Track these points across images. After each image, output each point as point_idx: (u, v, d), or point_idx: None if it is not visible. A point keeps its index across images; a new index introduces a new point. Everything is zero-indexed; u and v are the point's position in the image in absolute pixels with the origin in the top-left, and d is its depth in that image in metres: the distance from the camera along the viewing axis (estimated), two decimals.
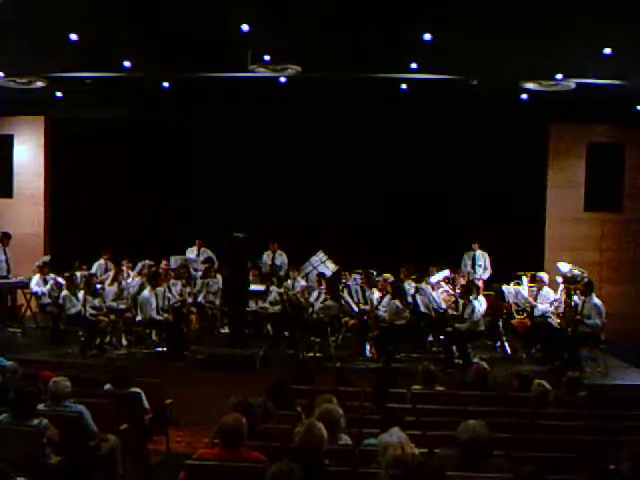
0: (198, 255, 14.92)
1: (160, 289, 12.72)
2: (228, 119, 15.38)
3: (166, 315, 12.56)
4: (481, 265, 14.66)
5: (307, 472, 4.42)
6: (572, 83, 12.31)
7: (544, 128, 15.49)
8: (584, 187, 15.42)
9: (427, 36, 10.43)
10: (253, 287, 13.35)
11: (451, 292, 13.26)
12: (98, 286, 13.23)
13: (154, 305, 12.45)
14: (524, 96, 13.42)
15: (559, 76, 12.10)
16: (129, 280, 13.74)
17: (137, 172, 16.13)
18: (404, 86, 13.24)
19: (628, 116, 14.31)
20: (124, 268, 14.03)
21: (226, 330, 13.11)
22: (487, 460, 5.11)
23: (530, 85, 12.60)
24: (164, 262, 14.25)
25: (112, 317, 12.77)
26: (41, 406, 6.73)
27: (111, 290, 13.29)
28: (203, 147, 16.02)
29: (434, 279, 13.38)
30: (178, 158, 16.07)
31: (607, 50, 10.58)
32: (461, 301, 12.51)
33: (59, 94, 14.15)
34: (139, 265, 14.10)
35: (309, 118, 15.21)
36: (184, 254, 14.82)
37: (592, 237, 15.30)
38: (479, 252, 14.70)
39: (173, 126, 15.74)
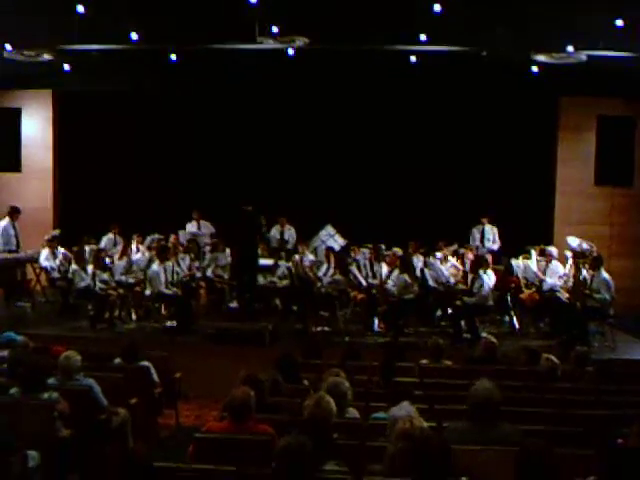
0: (198, 228, 14.94)
1: (169, 263, 12.72)
2: (235, 92, 15.30)
3: (175, 289, 12.59)
4: (490, 239, 14.60)
5: (316, 445, 4.45)
6: (583, 55, 12.17)
7: (554, 101, 15.37)
8: (594, 161, 15.34)
9: (437, 7, 10.33)
10: (262, 261, 13.33)
11: (459, 266, 13.27)
12: (107, 260, 13.29)
13: (163, 279, 12.46)
14: (534, 69, 13.30)
15: (570, 48, 11.97)
16: (138, 255, 13.78)
17: (145, 145, 16.10)
18: (413, 58, 13.15)
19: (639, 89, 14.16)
20: (134, 242, 14.08)
21: (235, 304, 13.14)
22: (497, 426, 5.13)
23: (541, 57, 12.48)
24: (173, 236, 14.27)
25: (121, 291, 12.81)
26: (51, 380, 6.79)
27: (120, 264, 13.35)
28: (210, 120, 15.91)
29: (444, 254, 13.41)
30: (185, 131, 16.02)
31: (619, 22, 10.46)
32: (470, 275, 12.49)
33: (67, 67, 14.10)
34: (148, 239, 14.14)
35: (317, 91, 15.12)
36: (184, 229, 14.87)
37: (602, 211, 15.26)
38: (488, 226, 14.64)
39: (180, 99, 15.68)
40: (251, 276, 12.58)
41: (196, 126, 16.02)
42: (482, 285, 11.98)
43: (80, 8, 10.47)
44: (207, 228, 14.98)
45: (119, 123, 15.89)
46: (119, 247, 13.95)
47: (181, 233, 14.55)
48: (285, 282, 13.47)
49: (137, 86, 15.16)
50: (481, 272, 12.13)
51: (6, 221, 13.77)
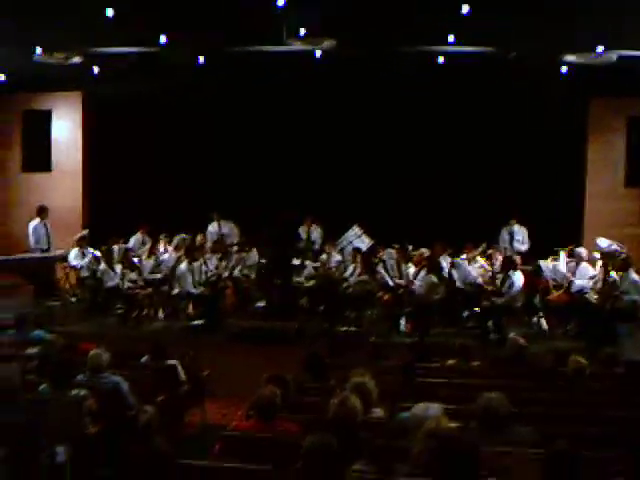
0: (219, 228, 15.02)
1: (197, 263, 12.85)
2: (262, 94, 15.30)
3: (202, 289, 12.64)
4: (519, 240, 14.52)
5: (341, 444, 4.44)
6: (614, 55, 12.05)
7: (584, 102, 15.21)
8: (624, 162, 15.18)
9: (465, 8, 10.27)
10: None
11: (487, 267, 13.21)
12: (135, 259, 13.43)
13: (190, 279, 12.60)
14: (564, 69, 13.16)
15: (600, 48, 11.85)
16: (166, 255, 13.90)
17: (172, 147, 16.12)
18: (441, 60, 13.10)
19: None
20: (161, 242, 14.23)
21: (261, 304, 13.22)
22: (506, 430, 5.14)
23: (570, 58, 12.36)
24: (200, 236, 14.42)
25: (149, 290, 12.95)
26: (80, 377, 6.86)
27: (148, 263, 13.52)
28: (236, 122, 15.92)
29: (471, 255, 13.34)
30: (212, 133, 16.07)
31: None
32: (499, 276, 12.43)
33: (96, 69, 14.22)
34: (176, 239, 14.21)
35: (344, 93, 15.08)
36: (205, 229, 14.98)
37: (632, 213, 15.06)
38: (517, 227, 14.56)
39: (208, 101, 15.70)
40: (284, 277, 12.71)
41: (223, 128, 16.03)
42: (511, 286, 11.93)
43: (110, 11, 10.53)
44: (229, 228, 15.07)
45: (147, 125, 15.97)
46: (147, 247, 14.11)
47: (208, 233, 14.75)
48: (312, 282, 13.53)
49: (164, 89, 15.21)
50: (510, 273, 12.06)
51: (37, 221, 13.97)
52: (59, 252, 14.11)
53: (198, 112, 15.88)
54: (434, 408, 5.54)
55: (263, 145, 15.88)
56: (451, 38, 11.79)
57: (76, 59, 12.84)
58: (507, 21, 10.68)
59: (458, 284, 12.75)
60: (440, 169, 15.55)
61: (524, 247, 14.52)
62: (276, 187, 15.21)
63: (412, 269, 12.99)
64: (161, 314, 13.16)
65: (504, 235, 14.60)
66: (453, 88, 14.58)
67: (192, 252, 12.97)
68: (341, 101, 15.39)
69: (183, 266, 12.73)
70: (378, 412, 5.95)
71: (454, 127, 15.47)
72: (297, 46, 11.98)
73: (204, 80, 14.66)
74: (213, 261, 13.66)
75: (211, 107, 15.85)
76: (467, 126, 15.42)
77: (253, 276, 13.89)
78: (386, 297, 12.80)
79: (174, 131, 16.11)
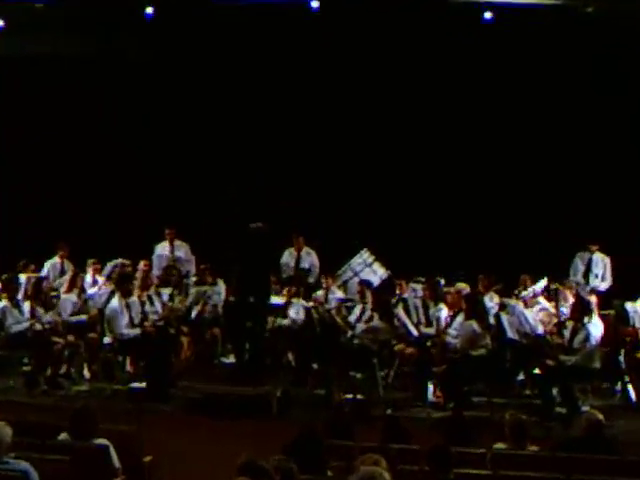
0: (172, 251, 15.12)
1: (134, 299, 12.83)
2: (232, 59, 15.40)
3: (145, 336, 12.61)
4: (598, 274, 14.55)
5: None
6: None
7: None
8: None
9: None
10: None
11: (552, 310, 13.18)
12: (51, 294, 13.33)
13: (126, 321, 12.55)
14: None
15: None
16: (94, 289, 13.80)
17: (108, 135, 16.24)
18: (488, 15, 13.17)
19: None
20: (88, 270, 14.15)
21: (230, 359, 13.19)
22: None
23: None
24: (143, 262, 14.28)
25: (70, 338, 12.84)
26: None
27: (69, 300, 13.39)
28: (195, 98, 16.10)
29: (528, 292, 13.31)
30: (163, 114, 16.21)
31: None
32: (569, 324, 12.41)
33: (0, 23, 14.27)
34: (109, 266, 14.15)
35: (350, 60, 15.16)
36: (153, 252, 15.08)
37: None
38: (598, 255, 14.59)
39: (159, 70, 15.89)
40: (258, 321, 12.66)
41: (176, 107, 16.18)
42: (586, 338, 11.93)
43: None
44: (184, 251, 15.15)
45: (71, 103, 15.98)
46: (67, 276, 13.93)
47: (155, 258, 14.68)
48: (302, 328, 13.44)
49: (98, 52, 15.24)
50: (584, 319, 12.06)
51: None
52: None
53: (144, 86, 15.98)
54: None
55: (231, 133, 16.04)
56: None
57: None
58: None
59: (510, 335, 12.59)
60: (484, 168, 15.66)
61: (604, 285, 14.57)
62: (247, 193, 15.37)
63: (444, 312, 12.97)
64: (87, 373, 13.07)
65: (578, 265, 14.64)
66: (502, 57, 14.64)
67: (126, 283, 12.92)
68: (345, 71, 15.42)
69: (115, 303, 12.65)
70: None
71: (504, 109, 15.54)
72: None
73: (152, 41, 14.88)
74: (163, 297, 13.62)
75: (161, 79, 15.96)
76: (522, 108, 15.48)
77: (220, 319, 13.87)
78: (407, 352, 12.78)
79: (108, 111, 16.13)
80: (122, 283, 12.99)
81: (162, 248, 15.20)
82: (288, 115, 15.90)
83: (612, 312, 13.26)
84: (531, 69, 15.03)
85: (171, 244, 15.19)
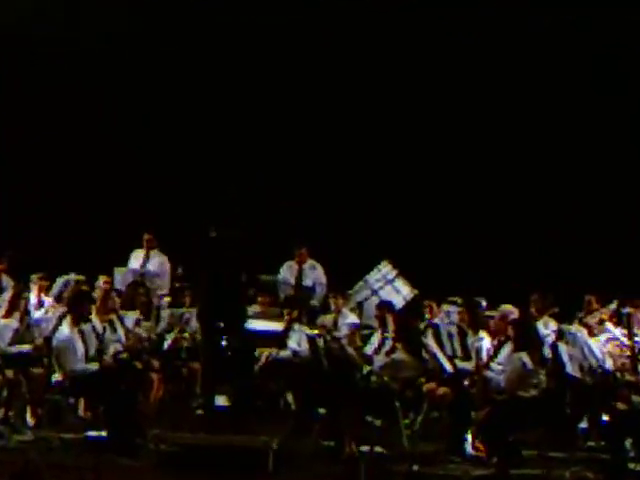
0: (144, 265, 15.29)
1: (87, 326, 12.37)
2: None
3: (104, 367, 12.16)
4: None
5: None
6: None
7: None
8: None
9: None
10: (262, 325, 13.42)
11: (625, 341, 12.55)
12: None
13: (81, 353, 12.10)
14: None
15: None
16: (40, 312, 13.68)
17: (62, 122, 16.78)
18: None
19: None
20: (33, 289, 14.08)
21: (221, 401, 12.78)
22: None
23: None
24: (103, 279, 14.27)
25: (9, 374, 12.63)
26: None
27: (8, 326, 13.01)
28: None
29: (594, 319, 12.94)
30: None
31: None
32: None
33: None
34: (59, 283, 14.06)
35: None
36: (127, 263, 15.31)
37: None
38: None
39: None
40: (238, 351, 12.31)
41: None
42: None
43: None
44: (159, 263, 15.30)
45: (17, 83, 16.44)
46: (6, 296, 13.62)
47: (118, 273, 14.53)
48: (304, 362, 13.09)
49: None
50: None
51: None
52: None
53: (101, 64, 16.74)
54: None
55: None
56: None
57: None
58: None
59: (570, 370, 12.15)
60: (529, 164, 16.22)
61: None
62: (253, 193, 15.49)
63: (486, 342, 12.65)
64: (30, 418, 12.76)
65: None
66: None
67: (80, 304, 12.55)
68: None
69: (67, 331, 12.29)
70: None
71: (565, 98, 15.95)
72: None
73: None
74: (128, 322, 13.30)
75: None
76: (581, 97, 15.80)
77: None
78: (439, 392, 12.30)
79: (62, 95, 16.82)
80: (75, 305, 12.59)
81: (135, 259, 15.48)
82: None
83: None
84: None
85: (146, 253, 15.28)
